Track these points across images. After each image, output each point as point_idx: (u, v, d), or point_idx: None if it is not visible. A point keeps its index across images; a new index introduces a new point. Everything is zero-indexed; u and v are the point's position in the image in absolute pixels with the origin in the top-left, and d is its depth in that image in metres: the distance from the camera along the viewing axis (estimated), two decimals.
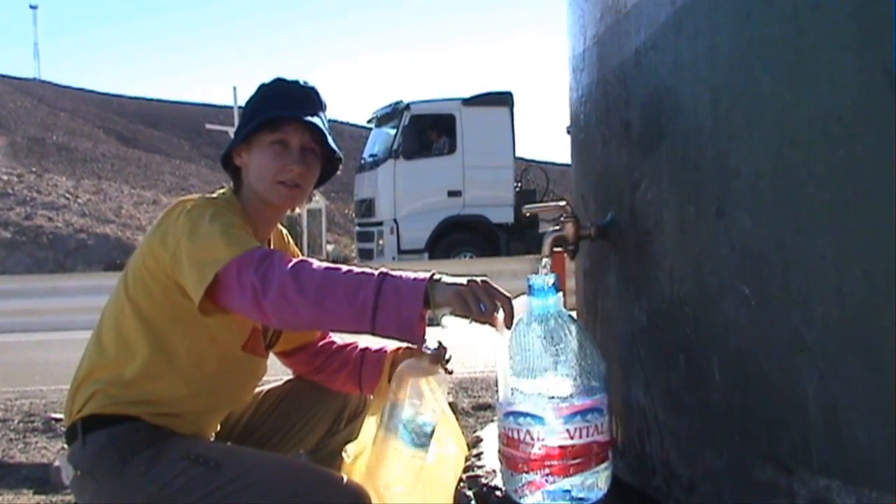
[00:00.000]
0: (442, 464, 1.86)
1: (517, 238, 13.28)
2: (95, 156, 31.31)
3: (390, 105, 14.02)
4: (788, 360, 1.23)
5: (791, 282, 1.22)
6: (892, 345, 1.07)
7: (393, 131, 13.53)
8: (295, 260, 1.63)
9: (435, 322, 1.57)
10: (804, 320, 1.19)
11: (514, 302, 1.53)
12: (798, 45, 1.20)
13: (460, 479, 1.95)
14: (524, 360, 1.50)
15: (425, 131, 13.48)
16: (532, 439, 1.48)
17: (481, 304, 1.50)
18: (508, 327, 1.52)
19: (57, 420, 4.38)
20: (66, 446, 3.61)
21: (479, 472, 2.05)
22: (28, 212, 20.42)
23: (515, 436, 1.50)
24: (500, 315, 1.51)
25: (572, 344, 1.50)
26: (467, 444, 2.08)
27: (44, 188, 23.01)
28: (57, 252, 18.54)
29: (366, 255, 14.05)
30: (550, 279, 1.54)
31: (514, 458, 1.52)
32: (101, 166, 29.76)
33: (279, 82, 1.89)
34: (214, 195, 1.88)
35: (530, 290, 1.54)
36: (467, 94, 13.68)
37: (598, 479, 1.51)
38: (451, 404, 3.94)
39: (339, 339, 2.15)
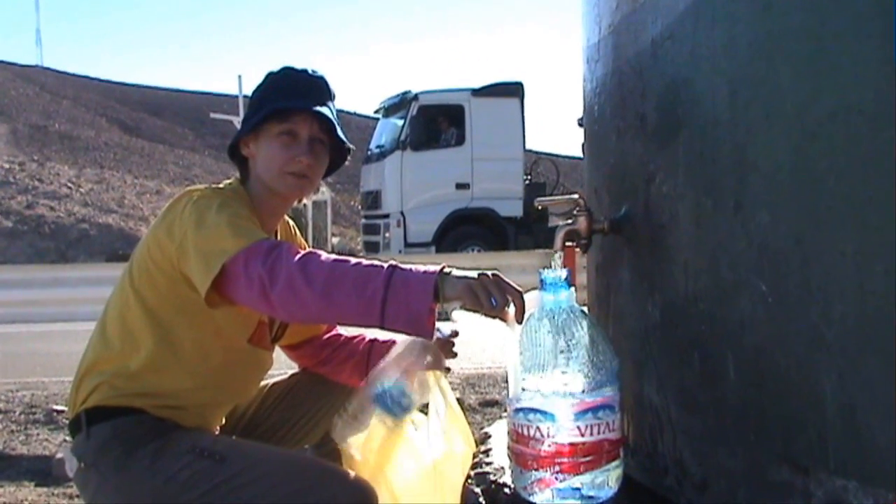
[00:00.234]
0: (449, 461, 1.86)
1: (526, 232, 13.26)
2: (98, 144, 31.39)
3: (398, 95, 14.00)
4: (806, 359, 1.23)
5: (810, 278, 1.21)
6: None
7: (400, 122, 13.51)
8: (303, 252, 1.63)
9: (444, 316, 1.57)
10: (823, 318, 1.19)
11: (526, 296, 1.53)
12: (820, 35, 1.19)
13: (468, 477, 1.95)
14: (535, 355, 1.50)
15: (433, 122, 13.45)
16: (542, 436, 1.48)
17: (492, 299, 1.50)
18: (519, 322, 1.52)
19: (59, 412, 4.40)
20: (67, 438, 3.63)
21: (487, 469, 2.05)
22: (30, 201, 20.50)
23: (525, 432, 1.50)
24: (511, 310, 1.51)
25: (584, 339, 1.50)
26: (475, 441, 2.08)
27: (46, 177, 23.09)
28: (59, 242, 18.61)
29: (372, 248, 14.05)
30: (563, 273, 1.53)
31: (523, 454, 1.52)
32: (104, 155, 29.85)
33: (287, 71, 1.89)
34: (221, 185, 1.88)
35: (542, 285, 1.54)
36: (477, 85, 13.66)
37: (608, 478, 1.51)
38: (458, 400, 3.95)
39: (346, 331, 2.15)
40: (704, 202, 1.47)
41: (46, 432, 4.13)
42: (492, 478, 1.95)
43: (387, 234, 13.43)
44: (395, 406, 1.75)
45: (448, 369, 1.87)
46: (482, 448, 2.24)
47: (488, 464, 2.06)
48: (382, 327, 1.56)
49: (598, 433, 1.48)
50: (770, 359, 1.30)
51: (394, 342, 1.93)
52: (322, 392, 2.09)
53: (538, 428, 1.48)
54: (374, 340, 2.08)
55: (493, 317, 1.52)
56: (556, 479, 1.48)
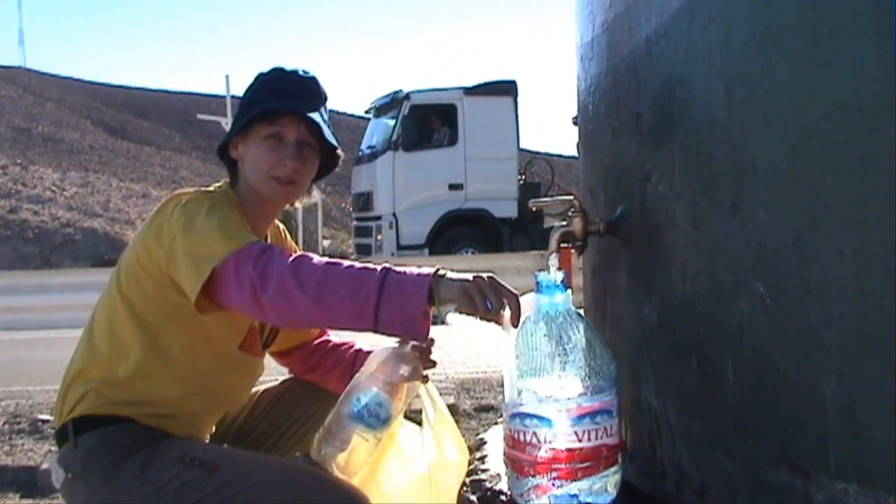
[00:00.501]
0: (443, 468, 1.86)
1: (521, 233, 13.28)
2: (82, 147, 31.30)
3: (389, 94, 14.00)
4: (805, 360, 1.24)
5: (809, 279, 1.22)
6: None
7: (392, 122, 13.51)
8: (294, 255, 1.63)
9: (439, 320, 1.57)
10: (822, 319, 1.19)
11: (522, 299, 1.54)
12: (816, 33, 1.20)
13: (463, 484, 1.95)
14: (531, 359, 1.50)
15: (426, 122, 13.46)
16: (539, 441, 1.48)
17: (487, 302, 1.50)
18: (515, 325, 1.52)
19: (44, 421, 4.38)
20: (52, 448, 3.63)
21: (482, 475, 2.05)
22: (13, 205, 20.43)
23: (521, 438, 1.51)
24: (507, 313, 1.52)
25: (581, 343, 1.50)
26: (469, 448, 2.08)
27: (29, 180, 23.02)
28: (43, 247, 18.54)
29: (364, 251, 14.04)
30: (559, 276, 1.54)
31: (519, 461, 1.52)
32: (89, 158, 29.75)
33: (278, 72, 1.89)
34: (211, 188, 1.88)
35: (538, 288, 1.55)
36: (469, 83, 13.66)
37: (606, 484, 1.51)
38: (452, 406, 3.95)
39: (336, 337, 2.15)
40: (701, 202, 1.48)
41: (31, 442, 4.12)
42: (487, 485, 1.95)
43: (379, 237, 13.43)
44: (374, 419, 1.75)
45: (426, 378, 1.85)
46: (477, 454, 2.24)
47: (484, 470, 2.06)
48: (376, 331, 1.56)
49: (596, 438, 1.48)
50: (769, 360, 1.31)
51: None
52: (314, 399, 2.09)
53: (535, 433, 1.48)
54: (359, 350, 2.08)
55: (489, 320, 1.52)
56: (554, 485, 1.48)
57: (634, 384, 1.75)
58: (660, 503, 1.68)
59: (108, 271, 1.87)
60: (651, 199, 1.65)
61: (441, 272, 1.55)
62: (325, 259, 1.62)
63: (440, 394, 1.95)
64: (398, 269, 1.57)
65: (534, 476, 1.50)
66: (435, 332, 1.57)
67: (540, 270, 1.56)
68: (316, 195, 17.55)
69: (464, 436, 2.00)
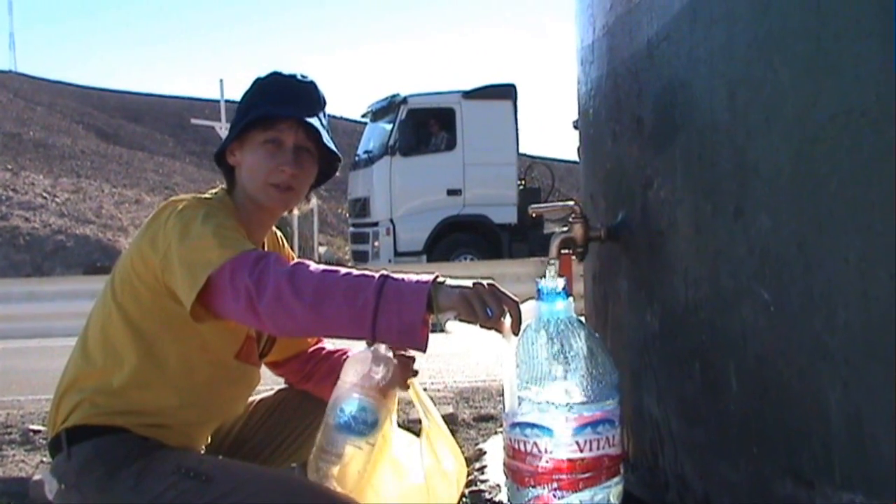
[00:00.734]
0: (441, 478, 1.86)
1: (520, 239, 13.27)
2: (74, 152, 31.28)
3: (386, 98, 14.00)
4: (810, 368, 1.24)
5: (813, 285, 1.22)
6: None
7: (389, 126, 13.51)
8: (291, 262, 1.63)
9: (438, 328, 1.57)
10: (826, 326, 1.20)
11: (522, 307, 1.54)
12: (820, 36, 1.21)
13: (462, 495, 1.96)
14: (532, 368, 1.51)
15: (423, 126, 13.46)
16: (539, 452, 1.48)
17: (487, 309, 1.50)
18: (516, 333, 1.52)
19: (35, 432, 4.37)
20: (44, 459, 3.62)
21: (482, 486, 2.06)
22: (3, 212, 20.41)
23: (522, 448, 1.51)
24: (507, 320, 1.51)
25: (582, 351, 1.50)
26: (468, 458, 2.09)
27: (20, 186, 22.99)
28: (34, 254, 18.52)
29: (360, 258, 14.03)
30: (560, 283, 1.54)
31: (520, 471, 1.52)
32: (81, 163, 29.73)
33: (275, 76, 1.89)
34: (207, 195, 1.88)
35: (539, 295, 1.55)
36: (468, 87, 13.67)
37: (608, 494, 1.51)
38: (451, 415, 3.95)
39: (330, 344, 2.15)
40: (704, 207, 1.48)
41: (23, 453, 4.10)
42: (487, 496, 1.95)
43: (376, 243, 13.42)
44: (362, 426, 1.76)
45: (407, 387, 1.86)
46: (477, 465, 2.24)
47: (483, 481, 2.07)
48: (374, 339, 1.56)
49: (598, 448, 1.48)
50: (773, 368, 1.31)
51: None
52: (310, 409, 2.09)
53: (535, 443, 1.49)
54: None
55: (489, 328, 1.52)
56: (555, 496, 1.48)
57: (636, 392, 1.75)
58: None
59: (100, 279, 1.88)
60: (653, 205, 1.66)
61: (440, 279, 1.55)
62: (322, 267, 1.62)
63: (439, 403, 1.95)
64: (396, 276, 1.57)
65: (534, 487, 1.50)
66: (434, 340, 1.57)
67: (540, 277, 1.56)
68: (312, 201, 17.55)
69: (463, 446, 2.00)
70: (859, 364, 1.16)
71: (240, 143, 1.84)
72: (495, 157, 13.21)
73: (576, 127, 2.31)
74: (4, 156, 27.55)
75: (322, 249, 19.84)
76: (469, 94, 13.50)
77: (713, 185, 1.45)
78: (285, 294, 1.55)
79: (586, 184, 2.13)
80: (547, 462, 1.48)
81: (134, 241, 1.82)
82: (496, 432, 3.48)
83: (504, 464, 1.60)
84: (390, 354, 1.80)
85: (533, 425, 1.49)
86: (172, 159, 35.35)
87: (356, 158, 14.81)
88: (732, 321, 1.40)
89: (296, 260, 1.69)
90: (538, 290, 1.55)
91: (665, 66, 1.60)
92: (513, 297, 1.53)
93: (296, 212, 2.05)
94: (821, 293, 1.21)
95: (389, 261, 12.85)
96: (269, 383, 2.18)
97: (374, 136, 14.32)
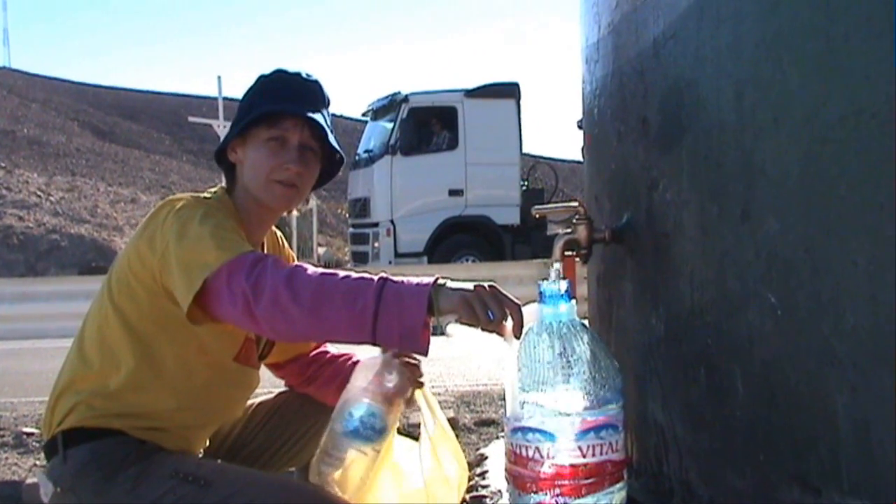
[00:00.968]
0: (441, 484, 1.86)
1: (523, 241, 13.26)
2: (69, 150, 31.31)
3: (387, 97, 14.00)
4: (817, 374, 1.24)
5: (820, 289, 1.23)
6: None
7: (390, 125, 13.51)
8: (289, 265, 1.63)
9: (439, 331, 1.57)
10: (834, 331, 1.20)
11: (524, 310, 1.54)
12: (829, 35, 1.21)
13: (463, 500, 1.96)
14: (534, 372, 1.51)
15: (425, 125, 13.46)
16: (542, 457, 1.49)
17: (489, 312, 1.50)
18: (517, 337, 1.52)
19: (29, 434, 4.37)
20: (38, 462, 3.62)
21: (483, 492, 2.06)
22: None
23: (524, 453, 1.51)
24: (509, 324, 1.52)
25: (586, 355, 1.50)
26: (469, 464, 2.09)
27: (14, 185, 23.02)
28: (28, 254, 18.54)
29: (360, 259, 14.03)
30: (563, 285, 1.54)
31: (522, 477, 1.52)
32: (76, 162, 29.77)
33: (279, 74, 1.90)
34: (206, 194, 1.88)
35: (541, 298, 1.55)
36: (470, 86, 13.67)
37: (612, 501, 1.51)
38: (452, 419, 3.95)
39: (334, 348, 2.15)
40: (710, 209, 1.48)
41: (16, 456, 4.11)
42: (489, 501, 1.95)
43: (376, 244, 13.41)
44: (370, 432, 1.76)
45: (420, 384, 1.87)
46: (478, 470, 2.24)
47: (485, 487, 2.07)
48: (375, 344, 1.56)
49: (601, 454, 1.48)
50: (780, 374, 1.31)
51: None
52: (310, 412, 2.09)
53: (537, 448, 1.49)
54: (358, 362, 2.08)
55: (490, 331, 1.52)
56: (557, 502, 1.48)
57: (640, 397, 1.75)
58: None
59: (95, 279, 1.88)
60: (658, 206, 1.66)
61: (441, 281, 1.55)
62: (321, 270, 1.62)
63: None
64: (396, 278, 1.57)
65: (536, 493, 1.50)
66: (434, 343, 1.57)
67: (543, 280, 1.56)
68: (312, 201, 17.57)
69: (464, 451, 2.00)
70: (867, 369, 1.16)
71: (242, 140, 1.84)
72: (498, 157, 13.20)
73: (580, 127, 2.31)
74: None
75: (321, 250, 19.84)
76: (471, 93, 13.49)
77: (720, 186, 1.45)
78: (283, 298, 1.55)
79: (590, 185, 2.13)
80: (549, 467, 1.48)
81: (131, 241, 1.82)
82: (497, 437, 3.48)
83: (506, 469, 1.60)
84: (401, 361, 1.80)
85: (535, 430, 1.49)
86: (169, 157, 35.38)
87: (356, 158, 14.80)
88: (739, 325, 1.40)
89: (294, 263, 1.69)
90: (541, 293, 1.55)
91: (671, 65, 1.60)
92: (515, 299, 1.53)
93: (295, 212, 2.05)
94: (829, 297, 1.21)
95: (390, 262, 12.84)
96: (267, 386, 2.18)
97: (375, 134, 14.32)
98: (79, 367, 1.81)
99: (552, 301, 1.54)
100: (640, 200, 1.73)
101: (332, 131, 1.88)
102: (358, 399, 1.76)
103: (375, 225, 13.49)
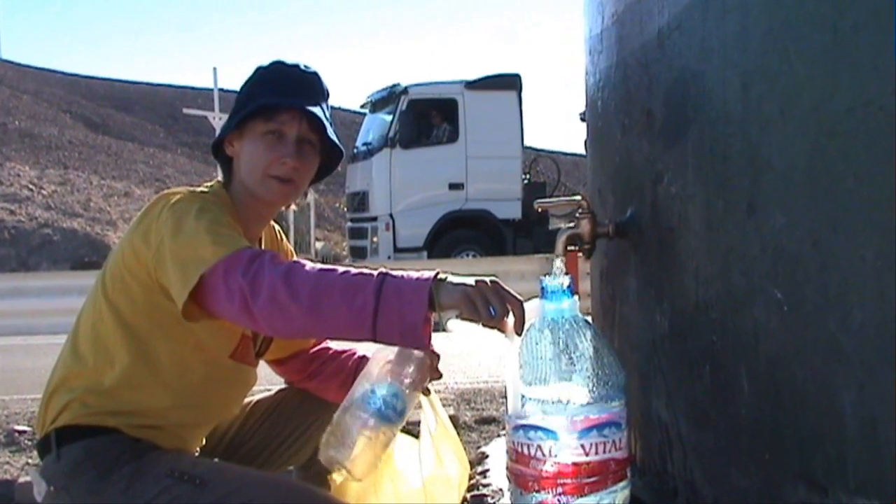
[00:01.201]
0: (442, 483, 1.87)
1: (524, 235, 13.27)
2: (61, 143, 31.28)
3: (386, 88, 13.99)
4: (824, 370, 1.24)
5: (828, 285, 1.23)
6: None
7: (389, 117, 13.50)
8: (287, 261, 1.63)
9: (439, 327, 1.57)
10: (841, 327, 1.20)
11: (526, 305, 1.54)
12: (837, 26, 1.21)
13: (464, 499, 1.96)
14: (536, 368, 1.51)
15: (425, 117, 13.45)
16: (544, 455, 1.49)
17: (491, 308, 1.50)
18: (519, 333, 1.53)
19: (20, 432, 4.38)
20: (30, 461, 3.63)
21: (484, 491, 2.07)
22: None
23: (525, 451, 1.51)
24: (511, 320, 1.52)
25: (588, 352, 1.51)
26: (470, 462, 2.09)
27: (5, 178, 23.01)
28: (19, 248, 18.54)
29: (358, 254, 14.03)
30: (565, 281, 1.54)
31: (523, 475, 1.53)
32: (68, 154, 29.73)
33: (277, 66, 1.89)
34: (202, 188, 1.88)
35: (543, 293, 1.55)
36: (471, 77, 13.66)
37: (614, 500, 1.52)
38: (452, 417, 3.95)
39: (336, 345, 2.15)
40: (715, 203, 1.48)
41: (7, 455, 4.11)
42: (490, 500, 1.96)
43: (375, 239, 13.41)
44: (391, 412, 1.73)
45: (427, 391, 1.86)
46: (479, 469, 2.25)
47: (486, 485, 2.08)
48: (375, 340, 1.56)
49: (604, 452, 1.49)
50: (786, 371, 1.31)
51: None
52: (310, 409, 2.09)
53: (539, 447, 1.49)
54: (363, 357, 2.08)
55: (492, 327, 1.53)
56: (559, 501, 1.49)
57: (644, 395, 1.75)
58: None
59: (88, 274, 1.88)
60: (663, 200, 1.66)
61: (441, 276, 1.55)
62: (319, 266, 1.62)
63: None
64: (396, 273, 1.57)
65: (538, 491, 1.50)
66: (434, 339, 1.57)
67: (545, 275, 1.56)
68: (309, 195, 17.56)
69: (464, 449, 2.00)
70: (875, 366, 1.16)
71: (239, 133, 1.84)
72: (499, 150, 13.20)
73: (583, 119, 2.32)
74: None
75: (319, 245, 19.84)
76: (472, 85, 13.49)
77: (725, 180, 1.45)
78: (280, 295, 1.54)
79: (594, 178, 2.13)
80: (551, 466, 1.48)
81: (125, 235, 1.82)
82: (499, 435, 3.49)
83: (507, 467, 1.60)
84: (423, 356, 1.78)
85: (537, 428, 1.49)
86: (163, 150, 35.33)
87: (355, 151, 14.79)
88: (744, 321, 1.41)
89: (292, 258, 1.69)
90: (543, 289, 1.55)
91: (676, 56, 1.60)
92: (516, 295, 1.54)
93: (292, 206, 2.04)
94: (836, 293, 1.21)
95: (389, 257, 12.86)
96: (265, 383, 2.18)
97: (374, 127, 14.31)
98: (72, 364, 1.81)
99: (554, 297, 1.54)
100: (644, 194, 1.73)
101: (331, 124, 1.87)
102: (383, 377, 1.75)
103: (374, 219, 13.49)
